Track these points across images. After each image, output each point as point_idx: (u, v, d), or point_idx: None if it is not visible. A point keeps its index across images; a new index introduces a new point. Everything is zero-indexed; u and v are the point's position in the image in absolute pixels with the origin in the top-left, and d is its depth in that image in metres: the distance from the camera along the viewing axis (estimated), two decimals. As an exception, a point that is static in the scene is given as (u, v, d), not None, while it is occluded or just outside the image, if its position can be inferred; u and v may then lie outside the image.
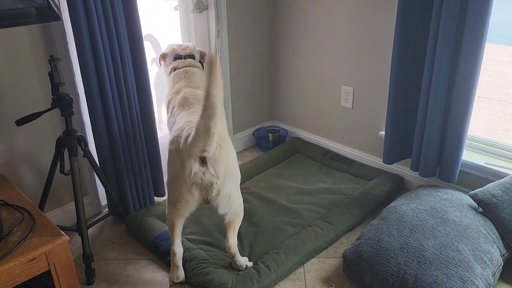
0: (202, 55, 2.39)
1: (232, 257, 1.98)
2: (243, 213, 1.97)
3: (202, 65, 2.36)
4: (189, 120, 1.87)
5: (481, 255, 1.86)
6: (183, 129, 1.83)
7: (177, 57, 2.31)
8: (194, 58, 2.33)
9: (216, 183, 1.76)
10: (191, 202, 1.83)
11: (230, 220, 1.91)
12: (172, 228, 1.92)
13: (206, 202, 1.83)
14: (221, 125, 1.82)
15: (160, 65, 2.41)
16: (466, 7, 1.97)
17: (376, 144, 2.80)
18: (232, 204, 1.86)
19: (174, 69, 2.29)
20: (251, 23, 3.01)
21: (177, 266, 1.97)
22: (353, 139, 2.94)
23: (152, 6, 2.70)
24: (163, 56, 2.38)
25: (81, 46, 2.00)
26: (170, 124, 2.08)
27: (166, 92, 2.33)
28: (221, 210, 1.85)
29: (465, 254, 1.84)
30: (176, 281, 1.98)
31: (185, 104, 2.03)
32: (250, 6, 2.94)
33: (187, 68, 2.26)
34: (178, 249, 1.96)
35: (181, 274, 1.98)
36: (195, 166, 1.73)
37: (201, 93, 2.06)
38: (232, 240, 1.94)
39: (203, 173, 1.74)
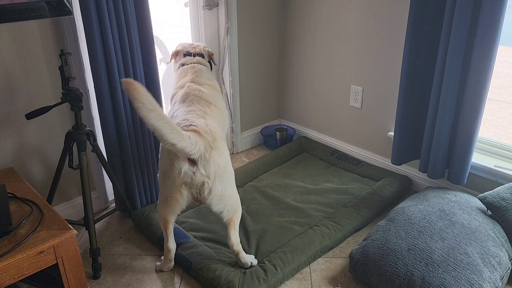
0: (210, 55, 2.42)
1: (236, 254, 1.97)
2: (240, 209, 1.97)
3: (211, 65, 2.40)
4: (185, 118, 1.87)
5: (490, 258, 1.85)
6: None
7: (187, 54, 2.34)
8: (203, 57, 2.36)
9: (207, 182, 1.76)
10: (181, 201, 1.84)
11: (228, 218, 1.91)
12: (164, 225, 1.95)
13: (197, 201, 1.84)
14: (213, 126, 1.85)
15: (170, 61, 2.43)
16: (479, 8, 1.95)
17: (384, 145, 2.78)
18: (226, 202, 1.86)
19: (182, 64, 2.31)
20: (261, 20, 3.00)
21: (170, 260, 2.05)
22: (361, 139, 2.93)
23: (162, 2, 2.70)
24: (176, 54, 2.40)
25: (92, 41, 2.01)
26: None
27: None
28: (215, 208, 1.85)
29: (473, 257, 1.82)
30: (166, 270, 2.07)
31: (185, 100, 2.03)
32: (260, 3, 2.94)
33: (195, 64, 2.28)
34: (172, 245, 2.01)
35: (172, 265, 2.08)
36: (185, 166, 1.73)
37: (204, 90, 2.08)
38: (234, 237, 1.94)
39: (193, 172, 1.74)
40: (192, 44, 2.40)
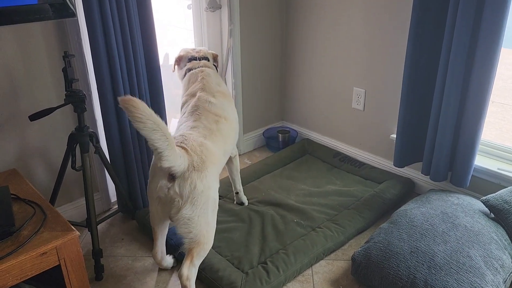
0: (215, 57, 2.40)
1: None
2: (207, 246, 1.80)
3: (216, 68, 2.38)
4: (183, 134, 1.85)
5: (492, 261, 1.84)
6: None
7: (192, 58, 2.30)
8: (208, 61, 2.33)
9: (178, 201, 1.69)
10: (156, 215, 1.83)
11: (189, 247, 1.76)
12: (153, 232, 1.97)
13: (169, 218, 1.78)
14: (208, 149, 1.79)
15: (174, 69, 2.38)
16: (482, 10, 1.95)
17: (387, 147, 2.78)
18: (191, 229, 1.73)
19: (189, 70, 2.26)
20: (264, 23, 3.00)
21: (161, 265, 2.07)
22: (364, 142, 2.92)
23: (165, 4, 2.71)
24: (178, 60, 2.35)
25: (95, 42, 2.02)
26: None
27: (181, 94, 2.29)
28: (178, 230, 1.74)
29: (476, 260, 1.82)
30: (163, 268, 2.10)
31: (193, 113, 1.99)
32: (263, 6, 2.94)
33: (202, 68, 2.24)
34: (157, 253, 2.01)
35: (167, 266, 2.09)
36: (163, 181, 1.69)
37: (214, 102, 2.04)
38: (184, 270, 1.75)
39: (168, 188, 1.69)
40: (195, 49, 2.37)
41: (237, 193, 2.48)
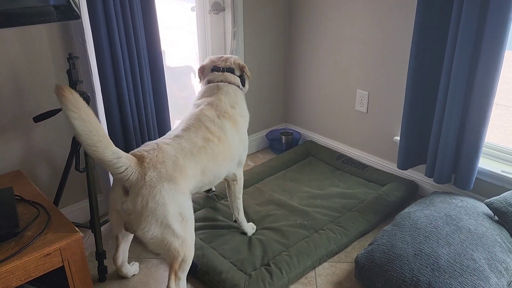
0: (242, 68, 2.15)
1: None
2: (187, 257, 1.72)
3: (243, 80, 2.16)
4: (158, 142, 1.76)
5: (496, 264, 1.83)
6: (145, 145, 1.76)
7: (215, 69, 2.11)
8: (233, 72, 2.12)
9: (133, 217, 1.62)
10: (116, 225, 1.80)
11: (168, 262, 1.71)
12: (115, 238, 1.94)
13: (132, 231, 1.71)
14: (172, 164, 1.68)
15: (200, 80, 2.21)
16: (486, 12, 1.95)
17: (390, 149, 2.78)
18: (160, 248, 1.67)
19: (209, 82, 2.10)
20: (267, 25, 3.01)
21: (120, 272, 2.02)
22: (367, 144, 2.92)
23: (169, 6, 2.72)
24: (201, 70, 2.18)
25: (99, 44, 2.02)
26: None
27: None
28: (149, 248, 1.69)
29: (480, 263, 1.81)
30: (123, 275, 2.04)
31: (187, 121, 1.89)
32: (266, 8, 2.95)
33: (222, 84, 2.06)
34: (118, 259, 1.97)
35: (126, 274, 2.03)
36: (118, 194, 1.65)
37: (215, 119, 1.91)
38: (172, 286, 1.71)
39: (122, 202, 1.63)
40: (222, 57, 2.15)
41: (235, 221, 2.26)
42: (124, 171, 1.57)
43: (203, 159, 1.81)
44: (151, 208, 1.60)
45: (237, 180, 2.15)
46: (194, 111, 1.98)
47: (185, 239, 1.70)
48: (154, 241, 1.65)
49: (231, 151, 1.97)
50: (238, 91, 2.11)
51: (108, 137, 1.52)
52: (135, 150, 1.72)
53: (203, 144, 1.83)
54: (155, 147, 1.71)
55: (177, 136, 1.82)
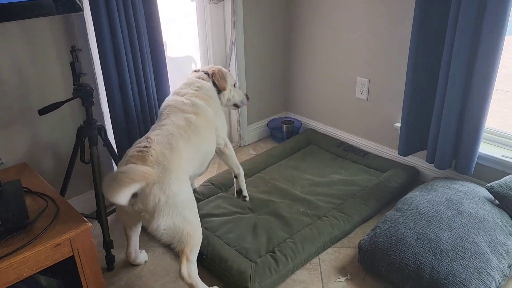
0: (212, 74, 2.23)
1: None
2: (197, 241, 1.79)
3: (215, 84, 2.22)
4: (148, 136, 1.83)
5: (498, 247, 1.87)
6: (136, 144, 1.82)
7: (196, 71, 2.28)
8: (208, 76, 2.23)
9: (145, 215, 1.67)
10: (126, 223, 1.95)
11: (179, 249, 1.76)
12: (125, 233, 2.02)
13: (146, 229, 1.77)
14: (171, 148, 1.76)
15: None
16: (486, -1, 1.96)
17: (391, 136, 2.80)
18: (173, 236, 1.72)
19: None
20: (267, 14, 3.01)
21: (134, 263, 2.10)
22: (368, 131, 2.94)
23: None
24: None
25: (101, 36, 2.03)
26: None
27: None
28: (161, 241, 1.73)
29: (481, 246, 1.85)
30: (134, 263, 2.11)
31: (163, 112, 2.01)
32: (266, -3, 2.95)
33: (190, 79, 2.20)
34: (131, 253, 2.05)
35: (142, 261, 2.12)
36: None
37: (188, 102, 2.02)
38: (184, 270, 1.76)
39: (132, 204, 1.66)
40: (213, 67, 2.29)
41: (235, 177, 2.33)
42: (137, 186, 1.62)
43: (191, 137, 1.90)
44: (163, 203, 1.66)
45: (225, 144, 2.22)
46: (164, 103, 2.09)
47: (195, 223, 1.78)
48: (167, 231, 1.70)
49: (208, 123, 2.05)
50: (204, 82, 2.18)
51: None
52: (134, 150, 1.75)
53: (185, 123, 1.93)
54: (148, 141, 1.77)
55: (161, 125, 1.91)
